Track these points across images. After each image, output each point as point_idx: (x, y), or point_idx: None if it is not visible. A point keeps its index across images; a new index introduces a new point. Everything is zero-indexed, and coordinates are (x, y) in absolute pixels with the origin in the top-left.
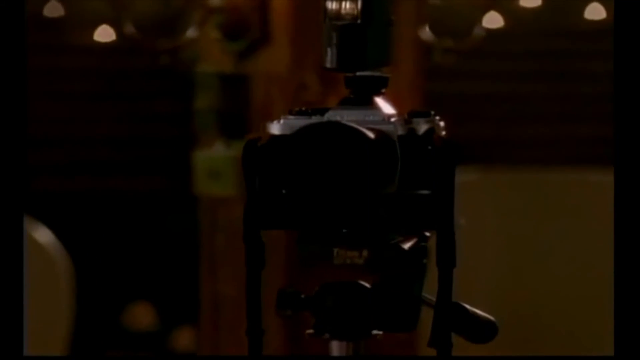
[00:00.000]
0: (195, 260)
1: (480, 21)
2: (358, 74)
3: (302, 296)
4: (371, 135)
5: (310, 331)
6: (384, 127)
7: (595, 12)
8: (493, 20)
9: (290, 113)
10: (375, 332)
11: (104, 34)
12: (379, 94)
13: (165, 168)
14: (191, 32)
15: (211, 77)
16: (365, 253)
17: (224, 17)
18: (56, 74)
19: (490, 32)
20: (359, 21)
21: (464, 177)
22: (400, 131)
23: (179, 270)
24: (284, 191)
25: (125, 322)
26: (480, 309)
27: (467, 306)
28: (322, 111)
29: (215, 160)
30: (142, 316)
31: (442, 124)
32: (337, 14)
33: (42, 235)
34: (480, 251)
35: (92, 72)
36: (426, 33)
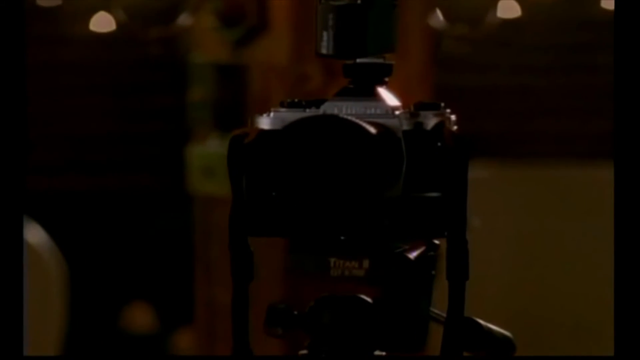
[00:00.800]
0: (190, 261)
1: (495, 8)
2: (358, 61)
3: (295, 312)
4: (373, 130)
5: (304, 352)
6: (387, 121)
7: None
8: (509, 9)
9: (282, 105)
10: (377, 352)
11: (101, 23)
12: (382, 83)
13: (157, 165)
14: (185, 19)
15: (206, 68)
16: (366, 263)
17: (220, 3)
18: (41, 67)
19: (506, 22)
20: (358, 1)
21: (475, 174)
22: (406, 126)
23: (175, 271)
24: (274, 193)
25: (122, 324)
26: (492, 309)
27: (481, 321)
28: (318, 103)
29: (210, 157)
30: (140, 318)
31: (452, 117)
32: None
33: (34, 235)
34: (491, 250)
35: (78, 65)
36: (436, 19)
